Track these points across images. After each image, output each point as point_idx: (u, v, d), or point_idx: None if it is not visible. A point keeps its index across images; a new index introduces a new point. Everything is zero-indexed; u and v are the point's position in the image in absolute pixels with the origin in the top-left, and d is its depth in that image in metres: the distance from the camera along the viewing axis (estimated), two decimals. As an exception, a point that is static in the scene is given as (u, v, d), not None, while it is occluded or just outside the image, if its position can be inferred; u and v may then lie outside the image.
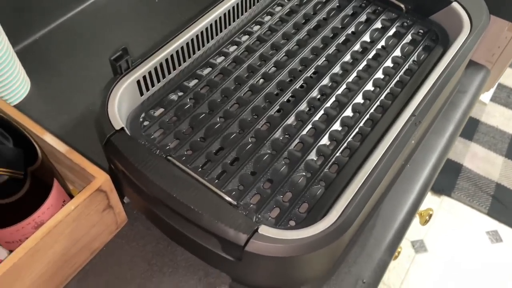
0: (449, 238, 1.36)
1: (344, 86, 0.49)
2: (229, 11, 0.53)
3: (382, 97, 0.48)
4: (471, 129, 1.62)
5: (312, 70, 0.51)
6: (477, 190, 1.46)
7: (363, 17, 0.57)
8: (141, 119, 0.45)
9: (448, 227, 1.38)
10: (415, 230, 1.36)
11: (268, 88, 0.48)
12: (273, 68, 0.51)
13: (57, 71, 0.61)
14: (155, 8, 0.70)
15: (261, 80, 0.50)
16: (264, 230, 0.34)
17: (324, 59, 0.52)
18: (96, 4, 0.70)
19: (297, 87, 0.49)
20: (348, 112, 0.47)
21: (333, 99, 0.48)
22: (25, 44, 0.63)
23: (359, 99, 0.48)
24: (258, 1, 0.57)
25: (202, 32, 0.50)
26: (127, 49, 0.43)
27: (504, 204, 1.43)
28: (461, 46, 0.49)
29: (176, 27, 0.51)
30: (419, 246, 1.34)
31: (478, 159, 1.54)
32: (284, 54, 0.53)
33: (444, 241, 1.35)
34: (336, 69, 0.51)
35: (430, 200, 1.43)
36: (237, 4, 0.53)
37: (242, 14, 0.55)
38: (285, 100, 0.48)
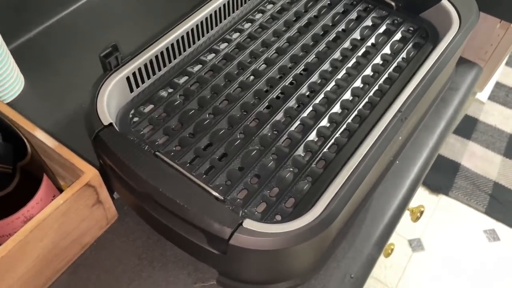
0: (446, 236, 1.36)
1: (333, 83, 0.50)
2: (220, 9, 0.53)
3: (371, 93, 0.49)
4: (469, 127, 1.62)
5: (302, 67, 0.51)
6: (475, 189, 1.46)
7: (353, 15, 0.57)
8: (130, 115, 0.45)
9: (445, 225, 1.38)
10: (412, 229, 1.36)
11: (258, 85, 0.49)
12: (263, 65, 0.52)
13: (51, 69, 0.61)
14: (151, 7, 0.71)
15: (251, 77, 0.51)
16: (248, 224, 0.35)
17: (314, 56, 0.53)
18: (91, 2, 0.70)
19: (287, 84, 0.50)
20: (336, 108, 0.48)
21: (321, 95, 0.48)
22: (20, 42, 0.63)
23: (347, 95, 0.49)
24: (250, -1, 0.57)
25: (192, 29, 0.50)
26: (117, 45, 0.43)
27: (502, 202, 1.43)
28: (450, 43, 0.49)
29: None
30: (416, 245, 1.34)
31: (476, 158, 1.54)
32: (274, 51, 0.53)
33: (441, 240, 1.35)
34: (326, 66, 0.51)
35: (428, 199, 1.43)
36: (228, 2, 0.53)
37: (233, 11, 0.56)
38: (274, 96, 0.48)
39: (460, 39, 0.50)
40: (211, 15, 0.52)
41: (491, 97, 1.70)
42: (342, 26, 0.56)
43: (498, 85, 1.73)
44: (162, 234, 0.44)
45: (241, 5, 0.57)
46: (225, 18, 0.55)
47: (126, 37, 0.64)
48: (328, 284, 0.45)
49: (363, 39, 0.55)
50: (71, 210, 0.40)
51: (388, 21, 0.56)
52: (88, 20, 0.68)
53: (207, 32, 0.53)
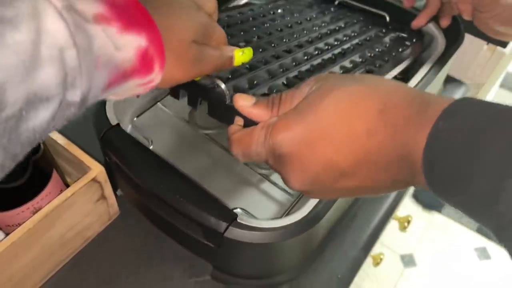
0: (438, 253, 1.38)
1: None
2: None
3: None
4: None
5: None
6: (467, 207, 1.49)
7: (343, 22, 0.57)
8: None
9: (437, 242, 1.41)
10: (404, 244, 1.38)
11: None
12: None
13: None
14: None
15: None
16: (242, 219, 0.37)
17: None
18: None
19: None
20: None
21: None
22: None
23: None
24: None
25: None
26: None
27: (493, 221, 1.46)
28: (435, 63, 0.53)
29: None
30: (408, 260, 1.36)
31: (469, 177, 1.57)
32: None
33: (433, 256, 1.37)
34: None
35: (421, 216, 1.46)
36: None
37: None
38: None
39: (446, 58, 0.53)
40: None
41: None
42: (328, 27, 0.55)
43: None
44: (161, 229, 0.47)
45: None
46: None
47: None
48: (316, 283, 0.47)
49: (350, 37, 0.54)
50: (78, 203, 0.43)
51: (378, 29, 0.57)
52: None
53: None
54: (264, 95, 0.38)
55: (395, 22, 0.59)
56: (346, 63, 0.47)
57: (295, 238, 0.38)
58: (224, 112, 0.34)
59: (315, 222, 0.38)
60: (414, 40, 0.55)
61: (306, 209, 0.39)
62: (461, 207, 0.23)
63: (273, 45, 0.47)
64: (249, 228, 0.37)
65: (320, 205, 0.39)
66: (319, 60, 0.47)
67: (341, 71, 0.46)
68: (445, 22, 0.55)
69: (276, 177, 0.47)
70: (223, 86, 0.35)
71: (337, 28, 0.55)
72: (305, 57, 0.47)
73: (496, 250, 1.40)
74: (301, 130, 0.27)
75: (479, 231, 1.43)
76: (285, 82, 0.41)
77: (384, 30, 0.57)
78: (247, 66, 0.41)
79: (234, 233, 0.37)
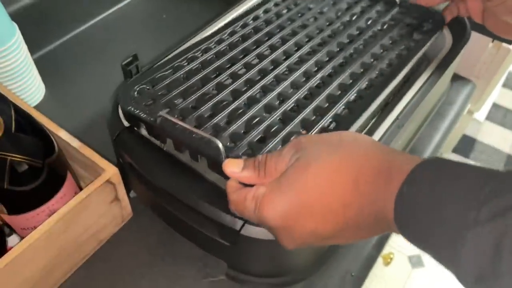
0: (445, 253, 1.38)
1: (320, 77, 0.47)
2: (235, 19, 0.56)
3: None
4: (468, 147, 1.66)
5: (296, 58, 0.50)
6: (473, 207, 1.49)
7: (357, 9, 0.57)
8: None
9: (444, 242, 1.40)
10: (411, 246, 1.38)
11: (262, 64, 0.48)
12: (268, 50, 0.51)
13: (70, 78, 0.65)
14: (162, 23, 0.75)
15: (256, 60, 0.50)
16: (257, 216, 0.38)
17: (309, 48, 0.51)
18: (107, 18, 0.75)
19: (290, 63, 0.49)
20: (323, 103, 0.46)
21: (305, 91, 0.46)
22: (41, 53, 0.68)
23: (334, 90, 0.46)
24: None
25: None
26: (137, 55, 0.47)
27: (500, 220, 1.46)
28: (443, 60, 0.53)
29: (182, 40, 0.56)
30: (416, 261, 1.36)
31: (474, 177, 1.57)
32: (278, 39, 0.52)
33: (441, 256, 1.37)
34: (320, 57, 0.50)
35: (427, 216, 1.46)
36: (241, 16, 0.56)
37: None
38: (280, 72, 0.47)
39: (452, 55, 0.53)
40: (227, 24, 0.54)
41: (489, 118, 1.74)
42: (346, 18, 0.56)
43: (495, 106, 1.77)
44: (176, 228, 0.47)
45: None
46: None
47: (139, 51, 0.68)
48: (330, 282, 0.47)
49: (363, 31, 0.54)
50: (92, 204, 0.43)
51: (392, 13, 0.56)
52: (104, 35, 0.73)
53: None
54: (261, 138, 0.41)
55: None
56: (356, 69, 0.48)
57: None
58: (221, 169, 0.36)
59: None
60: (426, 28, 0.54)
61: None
62: (431, 255, 0.27)
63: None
64: (265, 226, 0.37)
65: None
66: (329, 69, 0.49)
67: (351, 81, 0.47)
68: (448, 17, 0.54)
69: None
70: (220, 145, 0.36)
71: (344, 24, 0.55)
72: (315, 68, 0.49)
73: (503, 249, 1.39)
74: (284, 207, 0.31)
75: (486, 230, 1.43)
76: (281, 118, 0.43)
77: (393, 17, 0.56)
78: (245, 102, 0.44)
79: (250, 230, 0.37)
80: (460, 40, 0.55)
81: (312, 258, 0.45)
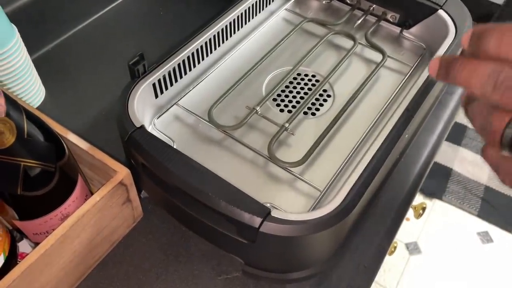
0: (441, 239, 1.40)
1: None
2: (238, 17, 0.56)
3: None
4: (459, 134, 1.68)
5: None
6: (467, 193, 1.51)
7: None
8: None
9: (440, 229, 1.43)
10: (409, 233, 1.40)
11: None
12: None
13: (70, 79, 0.64)
14: (160, 20, 0.74)
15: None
16: (275, 213, 0.38)
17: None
18: (105, 16, 0.74)
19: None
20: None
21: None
22: (40, 53, 0.66)
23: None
24: (263, 9, 0.61)
25: (210, 39, 0.54)
26: (143, 54, 0.46)
27: (493, 205, 1.48)
28: (447, 50, 0.53)
29: (179, 37, 0.55)
30: (413, 248, 1.38)
31: (467, 163, 1.59)
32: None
33: (437, 243, 1.39)
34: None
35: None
36: (245, 11, 0.57)
37: (249, 21, 0.59)
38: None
39: (456, 46, 0.54)
40: (228, 24, 0.55)
41: (479, 104, 1.76)
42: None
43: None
44: (191, 228, 0.47)
45: (256, 15, 0.60)
46: (241, 27, 0.58)
47: (138, 49, 0.67)
48: (343, 274, 0.48)
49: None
50: (106, 207, 0.42)
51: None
52: (102, 33, 0.71)
53: (226, 39, 0.56)
54: None
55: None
56: None
57: (328, 229, 0.38)
58: None
59: (348, 212, 0.38)
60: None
61: (338, 200, 0.39)
62: None
63: None
64: (284, 222, 0.37)
65: (351, 195, 0.40)
66: None
67: None
68: None
69: (297, 170, 0.48)
70: None
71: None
72: None
73: (498, 233, 1.42)
74: None
75: (480, 215, 1.46)
76: None
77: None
78: None
79: (269, 227, 0.37)
80: (462, 29, 0.55)
81: (328, 251, 0.45)
